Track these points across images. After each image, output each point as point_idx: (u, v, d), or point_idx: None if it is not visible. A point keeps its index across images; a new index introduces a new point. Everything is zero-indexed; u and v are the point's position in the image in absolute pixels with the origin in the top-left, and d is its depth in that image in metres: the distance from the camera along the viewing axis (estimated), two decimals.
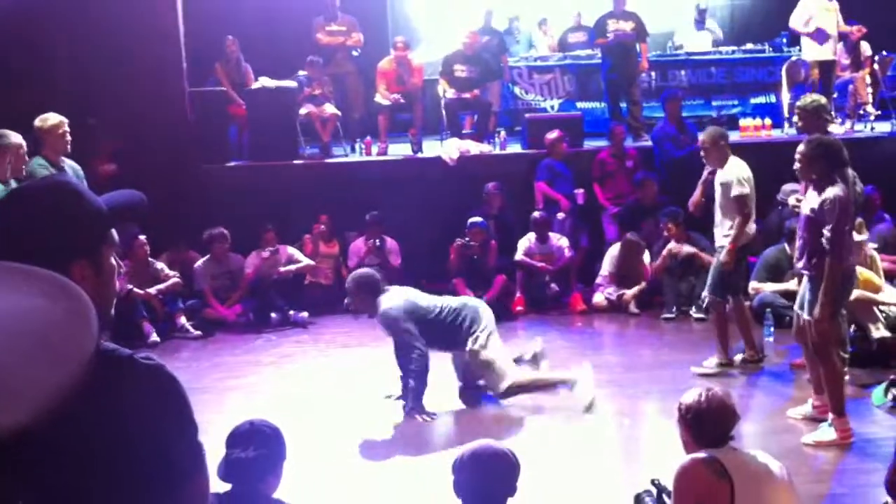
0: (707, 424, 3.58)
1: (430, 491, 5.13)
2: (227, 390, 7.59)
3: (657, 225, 9.92)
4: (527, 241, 10.05)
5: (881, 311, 7.61)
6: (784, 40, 13.09)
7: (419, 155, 11.39)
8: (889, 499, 3.39)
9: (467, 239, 9.76)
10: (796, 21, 11.77)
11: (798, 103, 7.20)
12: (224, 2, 12.30)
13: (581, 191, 10.65)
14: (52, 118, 6.73)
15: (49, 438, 1.34)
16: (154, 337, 9.00)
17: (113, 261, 1.81)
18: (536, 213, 10.13)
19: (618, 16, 11.89)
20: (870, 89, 12.33)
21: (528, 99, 13.05)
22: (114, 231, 1.81)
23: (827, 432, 5.96)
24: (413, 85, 11.60)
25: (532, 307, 9.91)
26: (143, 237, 9.26)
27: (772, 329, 8.29)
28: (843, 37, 12.15)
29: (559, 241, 10.11)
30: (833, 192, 5.77)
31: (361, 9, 12.63)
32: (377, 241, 10.08)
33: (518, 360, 7.18)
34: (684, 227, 9.44)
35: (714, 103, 13.12)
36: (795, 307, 6.28)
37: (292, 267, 9.95)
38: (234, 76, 11.56)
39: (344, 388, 7.56)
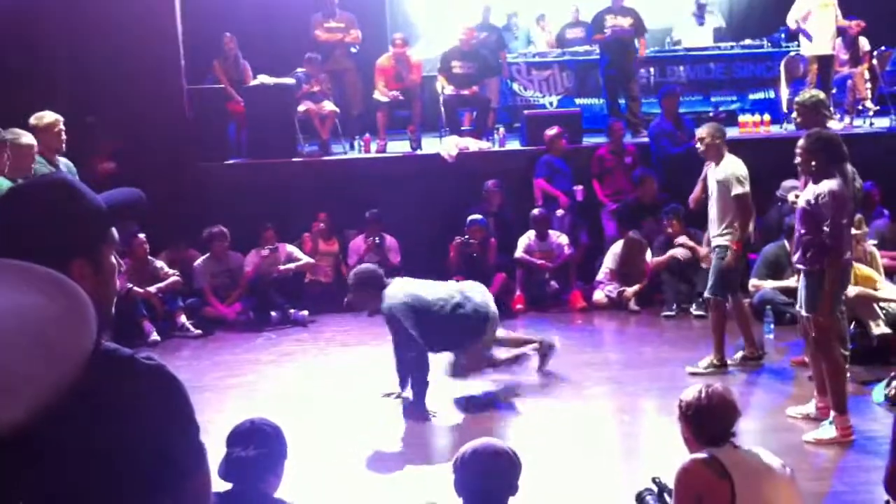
0: (708, 421, 3.58)
1: (431, 490, 5.12)
2: (227, 389, 7.59)
3: (657, 222, 9.92)
4: (526, 238, 10.05)
5: (881, 308, 7.61)
6: (782, 35, 13.07)
7: (418, 152, 11.39)
8: (889, 498, 3.39)
9: (467, 237, 9.75)
10: (793, 17, 11.76)
11: (797, 99, 7.19)
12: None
13: (580, 187, 10.65)
14: (47, 116, 6.70)
15: (50, 437, 1.33)
16: (154, 336, 8.99)
17: (113, 259, 1.80)
18: (536, 211, 10.12)
19: (616, 11, 11.87)
20: (868, 85, 12.31)
21: (526, 95, 13.03)
22: (114, 229, 1.80)
23: (828, 430, 5.95)
24: (412, 82, 11.59)
25: (532, 305, 9.90)
26: (142, 235, 9.25)
27: (772, 326, 8.29)
28: (841, 32, 12.13)
29: (559, 238, 10.10)
30: (828, 185, 5.80)
31: (360, 5, 12.61)
32: (377, 238, 10.07)
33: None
34: (685, 223, 9.44)
35: (713, 99, 13.11)
36: (797, 305, 6.28)
37: (292, 265, 9.95)
38: (233, 73, 11.54)
39: (344, 386, 7.55)
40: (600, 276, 10.03)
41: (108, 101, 10.03)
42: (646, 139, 11.14)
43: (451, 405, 6.98)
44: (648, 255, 9.85)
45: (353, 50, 12.08)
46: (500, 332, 7.24)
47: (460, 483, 3.42)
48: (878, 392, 6.67)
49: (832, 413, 5.98)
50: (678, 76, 13.09)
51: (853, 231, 6.62)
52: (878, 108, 12.18)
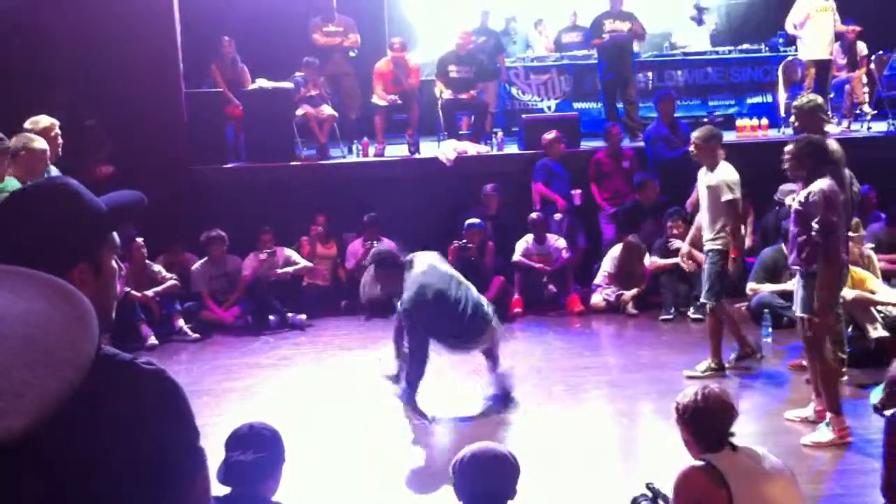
0: (705, 422, 3.57)
1: (431, 493, 5.13)
2: (225, 392, 7.58)
3: (657, 226, 9.92)
4: (524, 242, 10.05)
5: (879, 311, 7.62)
6: (780, 40, 13.10)
7: (416, 156, 11.40)
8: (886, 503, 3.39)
9: (465, 240, 9.75)
10: (791, 21, 11.78)
11: (794, 103, 7.21)
12: (220, 3, 12.29)
13: (578, 191, 10.66)
14: (43, 121, 6.63)
15: (49, 442, 1.33)
16: (152, 339, 8.99)
17: (114, 263, 1.80)
18: (534, 214, 10.13)
19: (614, 16, 11.90)
20: (866, 89, 12.34)
21: (524, 99, 13.05)
22: (115, 234, 1.81)
23: (825, 433, 5.97)
24: (410, 86, 11.59)
25: (530, 308, 9.90)
26: (140, 239, 9.25)
27: (769, 330, 8.29)
28: (839, 36, 12.16)
29: (557, 241, 10.11)
30: (819, 185, 5.88)
31: (358, 10, 12.62)
32: (374, 241, 10.06)
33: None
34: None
35: (711, 103, 13.13)
36: (794, 307, 6.30)
37: (290, 269, 9.95)
38: (231, 77, 11.54)
39: (342, 389, 7.55)
40: (598, 279, 10.04)
41: (106, 105, 10.03)
42: (643, 143, 11.15)
43: (449, 409, 6.97)
44: (647, 259, 9.86)
45: (351, 54, 12.09)
46: None
47: (460, 487, 3.42)
48: (876, 395, 6.66)
49: (828, 415, 5.99)
50: (676, 80, 13.12)
51: (851, 234, 6.65)
52: (875, 112, 12.20)
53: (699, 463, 3.47)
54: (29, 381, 1.08)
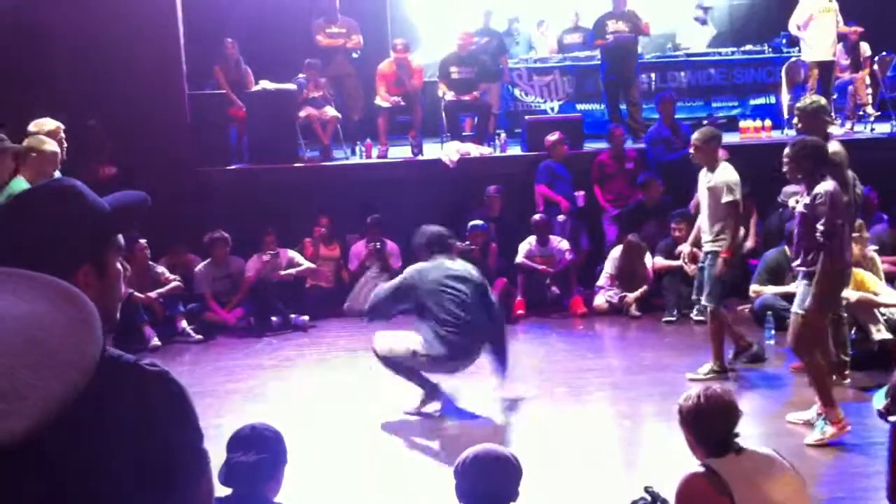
0: (708, 424, 3.54)
1: (432, 495, 5.13)
2: (227, 394, 7.59)
3: (660, 226, 9.92)
4: (527, 243, 10.05)
5: (882, 314, 7.61)
6: (783, 41, 13.09)
7: (419, 157, 11.39)
8: None
9: (468, 242, 9.75)
10: (794, 22, 11.78)
11: (798, 105, 7.21)
12: (224, 4, 12.30)
13: (581, 193, 10.66)
14: (48, 123, 6.60)
15: (53, 444, 1.34)
16: (155, 341, 9.00)
17: (118, 265, 1.80)
18: (537, 216, 10.13)
19: (617, 16, 11.89)
20: (869, 90, 12.33)
21: (527, 101, 13.05)
22: (120, 235, 1.81)
23: (824, 429, 5.98)
24: (413, 87, 11.59)
25: (533, 310, 9.90)
26: (143, 241, 9.26)
27: (772, 332, 8.29)
28: (842, 38, 12.15)
29: (560, 243, 10.11)
30: (824, 187, 5.92)
31: (361, 11, 12.63)
32: (378, 243, 10.07)
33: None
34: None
35: (714, 105, 13.13)
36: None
37: (293, 270, 9.96)
38: (234, 78, 11.55)
39: (345, 391, 7.55)
40: (601, 281, 10.04)
41: (109, 105, 10.04)
42: (643, 145, 11.18)
43: (452, 410, 6.97)
44: (648, 259, 9.86)
45: (354, 55, 12.09)
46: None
47: (462, 488, 3.42)
48: (879, 398, 6.64)
49: (821, 410, 6.02)
50: (679, 82, 13.12)
51: (854, 235, 6.66)
52: (878, 113, 12.20)
53: (700, 469, 3.44)
54: (32, 384, 1.08)
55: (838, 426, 5.98)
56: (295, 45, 12.08)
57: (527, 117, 12.00)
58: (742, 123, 12.16)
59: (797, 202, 6.56)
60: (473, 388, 7.18)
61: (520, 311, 9.77)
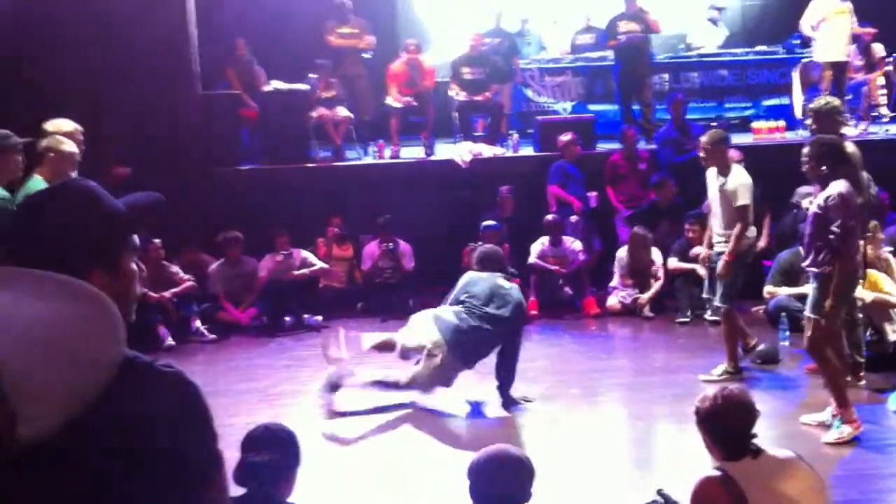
0: (725, 425, 3.51)
1: (446, 495, 5.12)
2: (241, 394, 7.60)
3: (673, 226, 9.90)
4: (540, 244, 10.05)
5: None
6: (797, 42, 13.04)
7: (431, 158, 11.40)
8: None
9: (480, 242, 9.74)
10: (807, 23, 11.73)
11: (811, 105, 7.21)
12: (236, 5, 12.33)
13: (594, 193, 10.65)
14: (65, 125, 6.57)
15: (68, 443, 1.34)
16: (169, 341, 9.03)
17: (133, 266, 1.80)
18: (549, 216, 10.12)
19: (629, 17, 11.88)
20: (883, 91, 12.28)
21: (540, 101, 13.04)
22: (135, 236, 1.81)
23: (842, 429, 5.96)
24: (424, 87, 11.60)
25: (546, 310, 9.89)
26: (157, 241, 9.29)
27: (787, 333, 8.26)
28: (855, 38, 12.10)
29: (572, 243, 10.10)
30: (836, 188, 5.92)
31: (371, 11, 12.64)
32: (390, 244, 10.08)
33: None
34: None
35: (726, 105, 13.10)
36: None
37: (306, 270, 9.97)
38: (246, 79, 11.58)
39: (358, 391, 7.54)
40: (614, 282, 10.03)
41: (121, 106, 10.07)
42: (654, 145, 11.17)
43: (465, 411, 6.98)
44: (658, 256, 9.83)
45: (366, 56, 12.10)
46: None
47: (475, 489, 3.42)
48: (894, 399, 6.65)
49: (837, 410, 6.01)
50: (692, 82, 13.09)
51: (869, 236, 6.64)
52: (893, 114, 12.16)
53: (716, 473, 3.41)
54: (56, 384, 1.08)
55: (854, 426, 5.98)
56: (307, 46, 12.10)
57: (539, 118, 11.99)
58: (755, 124, 12.12)
59: (811, 203, 6.54)
60: (485, 388, 7.18)
61: (532, 312, 9.74)
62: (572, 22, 13.95)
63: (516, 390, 7.07)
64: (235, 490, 3.42)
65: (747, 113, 13.03)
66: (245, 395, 7.59)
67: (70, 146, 6.18)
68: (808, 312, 6.16)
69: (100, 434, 1.46)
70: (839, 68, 11.69)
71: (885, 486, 5.42)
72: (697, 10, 14.00)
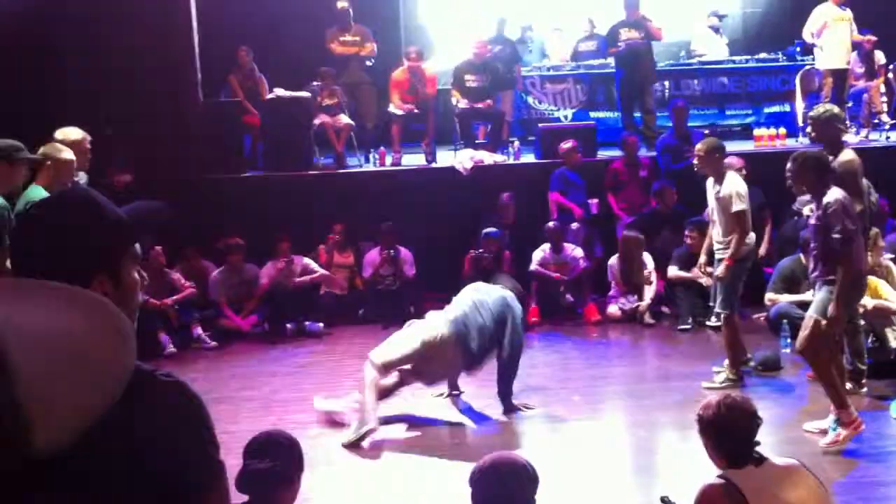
0: (728, 432, 3.51)
1: (447, 502, 5.12)
2: (243, 401, 7.60)
3: (674, 233, 9.90)
4: (541, 251, 10.05)
5: None
6: (797, 49, 13.06)
7: (433, 165, 11.41)
8: None
9: (481, 249, 9.75)
10: (808, 30, 11.76)
11: (811, 113, 7.23)
12: (238, 13, 12.35)
13: (595, 200, 10.65)
14: (73, 133, 6.56)
15: (75, 454, 1.34)
16: (170, 348, 9.03)
17: (135, 274, 1.80)
18: (550, 223, 10.12)
19: (630, 24, 11.90)
20: (884, 98, 12.29)
21: (541, 108, 13.05)
22: (137, 244, 1.81)
23: (839, 431, 5.96)
24: (426, 95, 11.60)
25: (547, 317, 9.89)
26: (158, 248, 9.29)
27: (788, 340, 8.24)
28: (856, 46, 12.12)
29: (574, 251, 10.10)
30: (833, 195, 5.99)
31: (374, 19, 12.65)
32: (392, 251, 10.08)
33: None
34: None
35: (727, 112, 13.11)
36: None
37: (307, 277, 9.97)
38: (248, 86, 11.59)
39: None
40: (612, 290, 10.03)
41: (124, 114, 10.09)
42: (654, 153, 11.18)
43: (467, 418, 6.97)
44: (650, 260, 9.84)
45: (368, 63, 12.12)
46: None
47: (477, 496, 3.41)
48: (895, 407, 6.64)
49: (835, 412, 6.00)
50: (693, 90, 13.09)
51: (872, 242, 6.64)
52: (894, 121, 12.15)
53: (718, 481, 3.40)
54: (68, 395, 1.08)
55: (852, 426, 5.95)
56: (309, 53, 12.11)
57: (540, 125, 12.00)
58: (756, 131, 12.12)
59: (811, 211, 6.56)
60: (486, 396, 7.18)
61: (534, 319, 9.75)
62: (574, 29, 13.97)
63: (517, 397, 7.07)
64: (238, 497, 3.42)
65: (748, 120, 13.04)
66: (246, 401, 7.59)
67: (68, 154, 6.18)
68: (811, 312, 6.16)
69: (101, 444, 1.46)
70: (839, 76, 11.71)
71: (888, 494, 5.42)
72: (699, 18, 14.01)
